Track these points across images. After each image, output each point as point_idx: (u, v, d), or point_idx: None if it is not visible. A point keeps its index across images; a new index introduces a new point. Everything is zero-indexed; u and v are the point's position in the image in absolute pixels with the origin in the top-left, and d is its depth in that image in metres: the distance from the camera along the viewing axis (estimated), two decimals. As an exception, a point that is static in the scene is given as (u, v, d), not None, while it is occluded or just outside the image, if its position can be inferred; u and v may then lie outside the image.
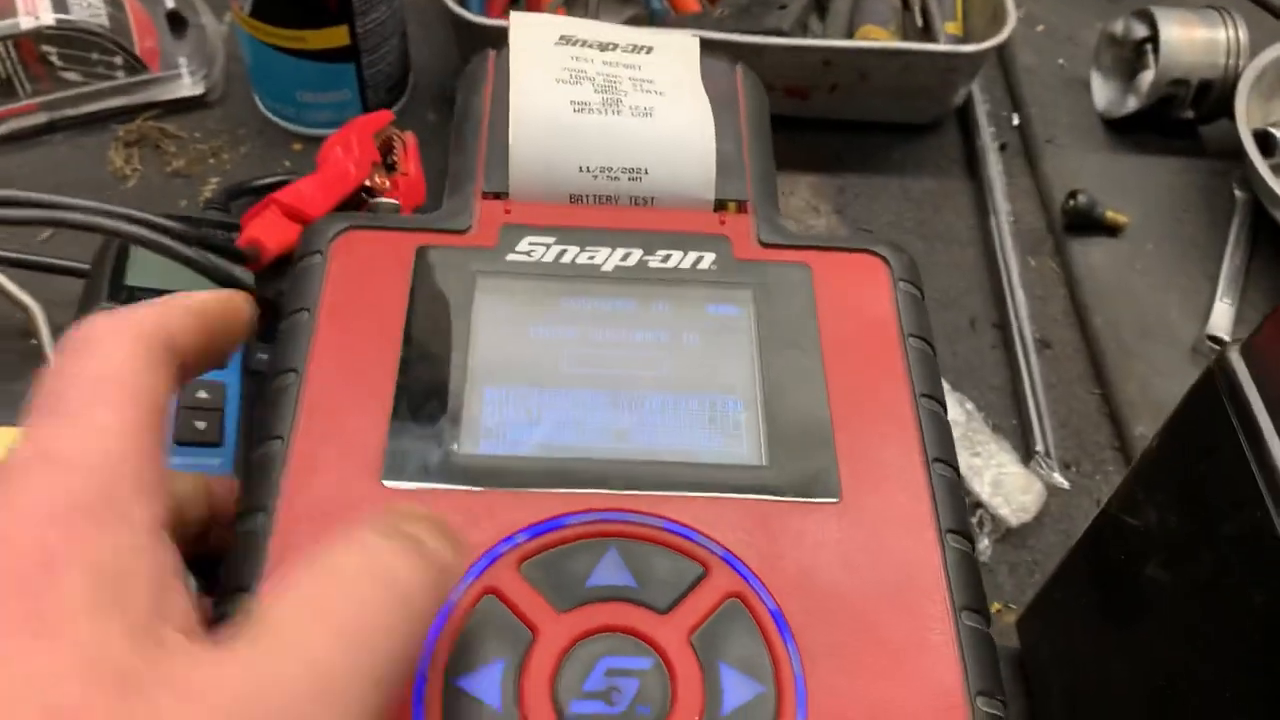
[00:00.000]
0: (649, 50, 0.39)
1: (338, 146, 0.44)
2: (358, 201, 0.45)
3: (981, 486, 0.48)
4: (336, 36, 0.54)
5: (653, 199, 0.37)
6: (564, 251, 0.35)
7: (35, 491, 0.20)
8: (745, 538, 0.30)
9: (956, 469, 0.33)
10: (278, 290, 0.39)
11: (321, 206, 0.42)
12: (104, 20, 0.58)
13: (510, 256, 0.35)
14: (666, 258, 0.35)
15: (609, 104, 0.37)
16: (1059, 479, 0.50)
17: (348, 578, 0.22)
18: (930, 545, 0.30)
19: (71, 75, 0.58)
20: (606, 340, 0.34)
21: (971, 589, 0.30)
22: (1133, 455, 0.51)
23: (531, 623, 0.28)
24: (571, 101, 0.36)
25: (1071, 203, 0.58)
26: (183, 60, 0.61)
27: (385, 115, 0.47)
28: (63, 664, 0.18)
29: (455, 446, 0.31)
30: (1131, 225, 0.59)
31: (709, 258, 0.35)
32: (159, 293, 0.28)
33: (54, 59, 0.57)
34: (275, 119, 0.60)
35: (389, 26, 0.55)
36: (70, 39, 0.57)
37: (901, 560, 0.30)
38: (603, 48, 0.39)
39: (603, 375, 0.33)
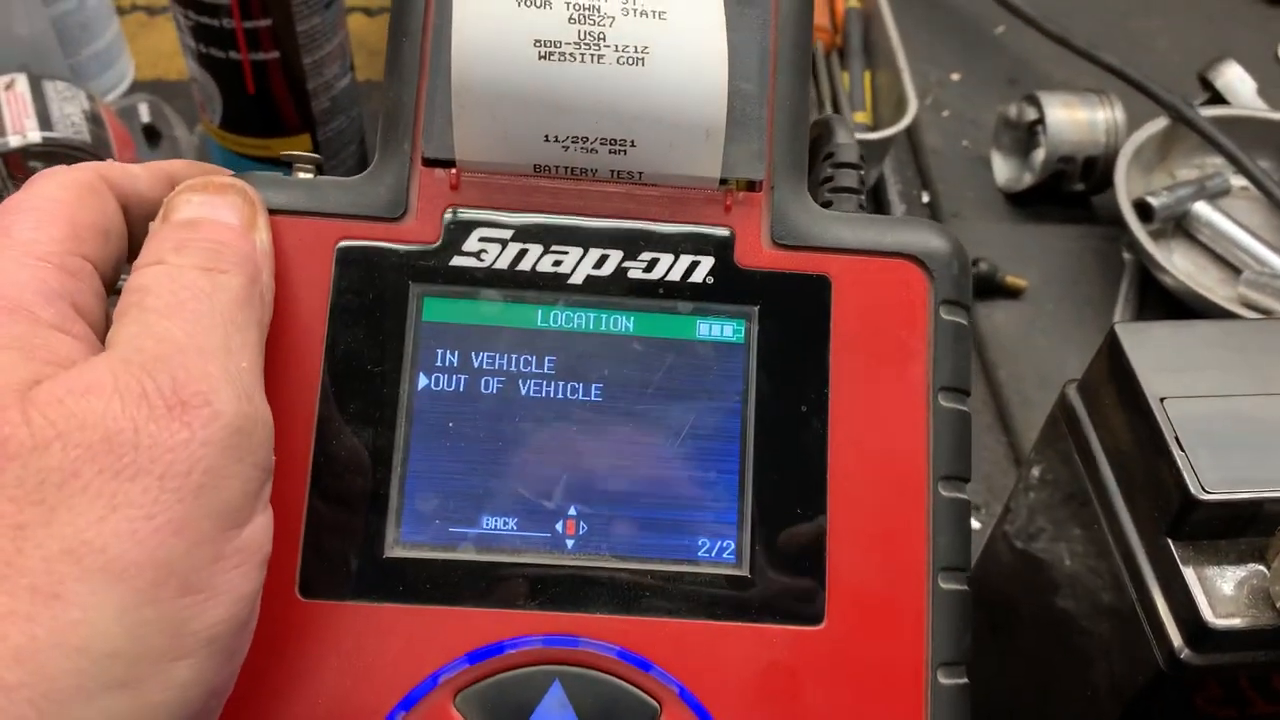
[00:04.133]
0: None
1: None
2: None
3: (898, 529, 0.53)
4: (300, 145, 0.59)
5: (640, 174, 0.29)
6: (523, 253, 0.29)
7: None
8: (707, 670, 0.27)
9: (967, 571, 0.28)
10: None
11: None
12: (85, 136, 0.63)
13: (456, 260, 0.28)
14: (651, 264, 0.29)
15: (587, 43, 0.28)
16: (971, 521, 0.54)
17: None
18: (915, 690, 0.27)
19: (56, 187, 0.63)
20: (569, 391, 0.28)
21: None
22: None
23: None
24: (536, 41, 0.27)
25: (974, 270, 0.64)
26: (158, 169, 0.66)
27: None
28: None
29: (382, 549, 0.27)
30: (1031, 288, 0.65)
31: (704, 265, 0.29)
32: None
33: (40, 173, 0.62)
34: (245, 220, 0.65)
35: (348, 134, 0.61)
36: (55, 154, 0.62)
37: (882, 705, 0.27)
38: None
39: (561, 442, 0.28)
